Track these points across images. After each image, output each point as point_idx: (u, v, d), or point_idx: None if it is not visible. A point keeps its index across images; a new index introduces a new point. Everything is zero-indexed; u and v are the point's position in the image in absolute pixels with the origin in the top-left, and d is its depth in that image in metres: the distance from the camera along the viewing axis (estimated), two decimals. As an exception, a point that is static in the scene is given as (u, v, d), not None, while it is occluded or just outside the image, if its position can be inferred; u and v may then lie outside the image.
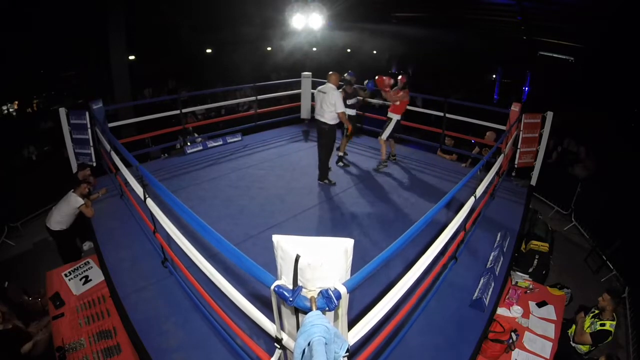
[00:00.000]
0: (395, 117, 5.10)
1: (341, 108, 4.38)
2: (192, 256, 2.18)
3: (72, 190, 3.91)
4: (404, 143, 6.58)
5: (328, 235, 1.37)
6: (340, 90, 5.20)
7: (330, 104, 4.36)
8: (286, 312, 1.50)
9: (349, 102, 5.24)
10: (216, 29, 12.01)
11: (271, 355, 1.68)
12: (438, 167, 5.44)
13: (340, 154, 5.44)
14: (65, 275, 3.53)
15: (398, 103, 5.02)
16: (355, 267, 1.39)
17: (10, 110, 9.87)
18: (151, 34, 10.37)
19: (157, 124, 5.74)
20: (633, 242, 4.63)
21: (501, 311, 3.18)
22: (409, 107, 5.32)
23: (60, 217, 3.95)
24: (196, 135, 6.55)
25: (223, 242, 1.67)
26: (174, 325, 2.55)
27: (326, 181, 4.74)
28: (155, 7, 9.83)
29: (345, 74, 5.34)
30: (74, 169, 4.60)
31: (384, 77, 5.02)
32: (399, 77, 5.07)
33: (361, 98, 5.81)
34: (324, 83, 4.62)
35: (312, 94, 6.77)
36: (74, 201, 3.86)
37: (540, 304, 3.37)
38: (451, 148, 5.95)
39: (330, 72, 4.45)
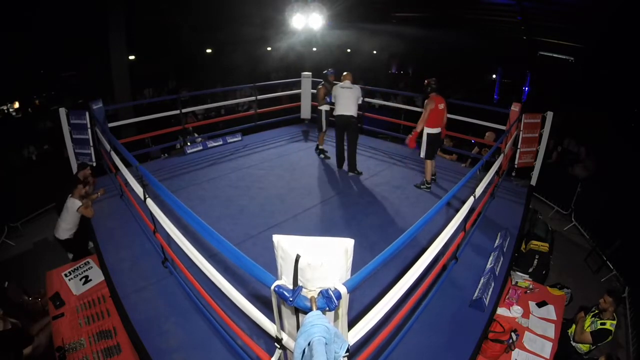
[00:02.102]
0: (425, 130, 4.40)
1: (361, 100, 4.87)
2: (192, 256, 2.18)
3: (70, 195, 3.90)
4: (404, 143, 6.57)
5: (328, 235, 1.37)
6: (320, 86, 5.37)
7: (358, 98, 4.74)
8: (286, 312, 1.50)
9: (328, 99, 5.22)
10: (216, 29, 12.02)
11: (271, 355, 1.68)
12: (438, 167, 5.41)
13: (322, 147, 5.69)
14: (65, 275, 3.53)
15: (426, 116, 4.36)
16: (355, 267, 1.39)
17: (10, 110, 9.88)
18: (151, 34, 10.37)
19: (157, 124, 5.74)
20: (633, 242, 4.63)
21: (501, 311, 3.18)
22: (407, 109, 5.15)
23: (66, 224, 3.95)
24: (196, 135, 6.55)
25: (223, 242, 1.67)
26: (174, 325, 2.55)
27: (356, 172, 4.97)
28: (155, 7, 9.84)
29: (325, 71, 5.41)
30: (74, 169, 4.60)
31: (410, 141, 4.51)
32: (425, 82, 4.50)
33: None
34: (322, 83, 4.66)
35: (312, 93, 6.79)
36: (72, 205, 3.85)
37: (540, 304, 3.37)
38: (451, 148, 5.95)
39: (345, 73, 4.82)
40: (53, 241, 5.22)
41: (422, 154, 4.53)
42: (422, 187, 4.73)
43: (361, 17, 12.29)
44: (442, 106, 4.38)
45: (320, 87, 5.39)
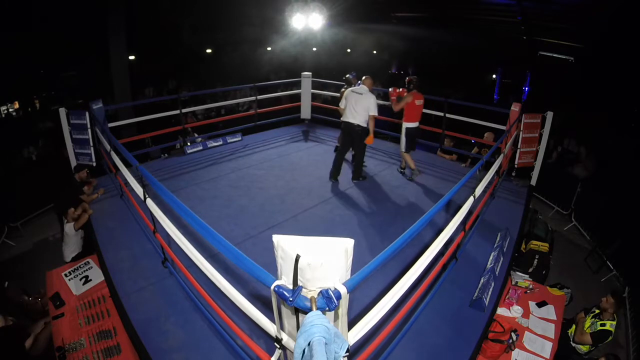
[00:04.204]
0: (404, 125, 4.76)
1: (374, 111, 4.39)
2: (192, 256, 2.18)
3: (65, 222, 3.90)
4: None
5: (328, 235, 1.36)
6: (343, 89, 5.24)
7: (368, 107, 4.36)
8: (286, 312, 1.50)
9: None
10: (216, 29, 12.01)
11: (271, 355, 1.68)
12: (438, 167, 5.44)
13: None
14: (65, 275, 3.53)
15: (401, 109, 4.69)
16: (355, 267, 1.39)
17: (10, 110, 9.87)
18: (151, 34, 10.37)
19: (157, 124, 5.73)
20: (633, 242, 4.63)
21: (501, 311, 3.18)
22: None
23: (69, 248, 3.96)
24: (196, 135, 6.55)
25: (223, 242, 1.67)
26: (174, 325, 2.55)
27: (361, 178, 4.82)
28: (155, 7, 9.83)
29: (348, 75, 5.34)
30: (73, 171, 4.59)
31: (393, 89, 4.84)
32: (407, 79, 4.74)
33: None
34: (323, 83, 4.58)
35: (312, 93, 6.79)
36: (69, 229, 3.87)
37: (540, 304, 3.37)
38: (451, 148, 5.95)
39: (365, 77, 4.52)
40: (53, 241, 5.24)
41: (403, 148, 4.85)
42: (412, 176, 4.93)
43: (361, 17, 12.28)
44: (419, 102, 4.64)
45: (343, 90, 5.23)
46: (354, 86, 4.74)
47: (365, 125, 4.46)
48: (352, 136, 4.57)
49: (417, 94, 4.62)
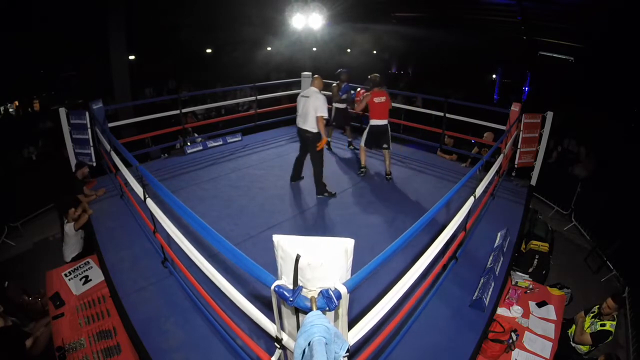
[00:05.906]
0: (370, 122, 4.79)
1: (322, 112, 4.00)
2: (192, 256, 2.18)
3: (66, 222, 3.90)
4: (404, 143, 6.58)
5: (328, 235, 1.37)
6: (334, 84, 5.50)
7: (313, 109, 4.01)
8: (286, 312, 1.50)
9: (340, 94, 5.44)
10: (216, 29, 12.02)
11: (271, 355, 1.68)
12: (438, 167, 5.44)
13: (349, 139, 5.84)
14: (65, 275, 3.53)
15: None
16: (355, 267, 1.39)
17: (10, 110, 9.88)
18: (151, 33, 10.38)
19: (157, 124, 5.74)
20: (633, 242, 4.63)
21: (501, 311, 3.18)
22: (407, 109, 5.18)
23: (69, 248, 3.96)
24: (196, 135, 6.55)
25: (223, 242, 1.68)
26: (174, 325, 2.55)
27: (326, 194, 4.35)
28: (155, 7, 9.84)
29: (338, 70, 5.44)
30: (74, 169, 4.60)
31: (358, 92, 5.32)
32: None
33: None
34: (323, 83, 4.59)
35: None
36: (70, 229, 3.87)
37: (540, 304, 3.37)
38: (451, 148, 5.95)
39: (315, 76, 4.26)
40: (53, 241, 5.25)
41: (362, 142, 4.89)
42: (359, 173, 5.01)
43: (361, 17, 12.28)
44: (378, 100, 4.64)
45: (334, 85, 5.50)
46: (344, 85, 5.00)
47: (316, 130, 4.09)
48: (306, 144, 4.24)
49: (377, 91, 4.65)
